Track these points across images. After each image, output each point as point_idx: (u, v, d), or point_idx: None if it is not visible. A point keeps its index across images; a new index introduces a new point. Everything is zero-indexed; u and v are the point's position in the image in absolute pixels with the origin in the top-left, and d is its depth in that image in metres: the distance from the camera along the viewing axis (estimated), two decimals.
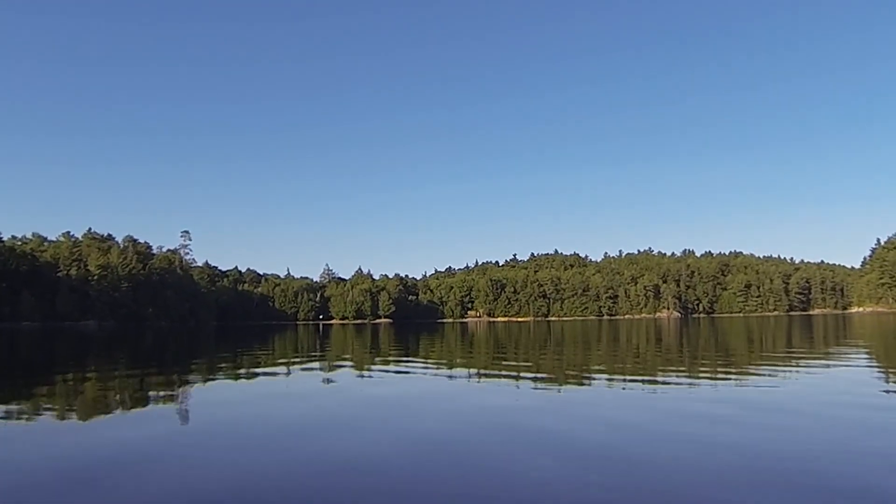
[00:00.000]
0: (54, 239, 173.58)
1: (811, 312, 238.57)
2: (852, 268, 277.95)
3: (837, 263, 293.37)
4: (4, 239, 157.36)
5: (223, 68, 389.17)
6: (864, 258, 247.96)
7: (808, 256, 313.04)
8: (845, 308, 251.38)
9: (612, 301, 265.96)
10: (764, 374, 17.17)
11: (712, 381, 15.64)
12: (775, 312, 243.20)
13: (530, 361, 24.24)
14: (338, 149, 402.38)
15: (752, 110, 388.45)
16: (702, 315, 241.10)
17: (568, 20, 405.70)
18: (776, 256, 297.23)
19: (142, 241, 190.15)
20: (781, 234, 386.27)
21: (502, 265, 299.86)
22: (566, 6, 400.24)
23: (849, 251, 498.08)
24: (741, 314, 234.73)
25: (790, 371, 18.17)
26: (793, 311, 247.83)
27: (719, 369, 19.10)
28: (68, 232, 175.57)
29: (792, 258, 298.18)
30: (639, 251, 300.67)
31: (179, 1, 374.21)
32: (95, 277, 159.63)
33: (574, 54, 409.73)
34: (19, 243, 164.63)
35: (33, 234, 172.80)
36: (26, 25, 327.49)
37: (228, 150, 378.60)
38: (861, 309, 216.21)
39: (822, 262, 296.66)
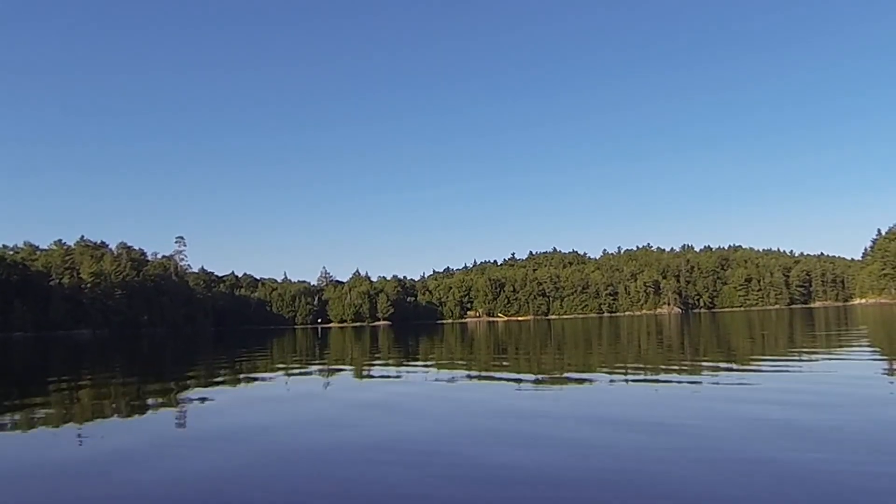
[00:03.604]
0: (46, 247, 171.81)
1: (812, 305, 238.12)
2: (853, 259, 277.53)
3: (837, 255, 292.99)
4: None
5: (216, 71, 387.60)
6: (865, 249, 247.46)
7: (808, 249, 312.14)
8: (846, 300, 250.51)
9: (612, 298, 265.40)
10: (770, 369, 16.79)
11: (714, 376, 15.28)
12: (776, 306, 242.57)
13: (531, 361, 23.88)
14: (333, 151, 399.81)
15: (749, 104, 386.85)
16: (703, 310, 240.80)
17: (559, 19, 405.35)
18: (776, 250, 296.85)
19: (136, 247, 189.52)
20: (780, 227, 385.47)
21: (501, 264, 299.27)
22: (555, 4, 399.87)
23: (849, 243, 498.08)
24: (742, 308, 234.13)
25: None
26: (794, 305, 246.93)
27: (721, 364, 18.73)
28: (60, 240, 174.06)
29: (792, 251, 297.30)
30: (638, 247, 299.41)
31: (175, 3, 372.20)
32: (89, 285, 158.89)
33: (568, 53, 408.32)
34: (10, 252, 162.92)
35: (25, 243, 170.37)
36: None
37: (222, 155, 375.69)
38: (863, 300, 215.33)
39: (822, 254, 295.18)
